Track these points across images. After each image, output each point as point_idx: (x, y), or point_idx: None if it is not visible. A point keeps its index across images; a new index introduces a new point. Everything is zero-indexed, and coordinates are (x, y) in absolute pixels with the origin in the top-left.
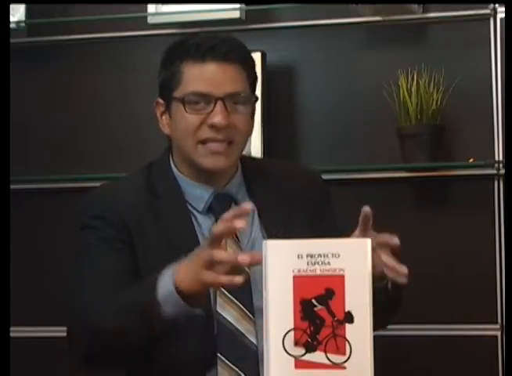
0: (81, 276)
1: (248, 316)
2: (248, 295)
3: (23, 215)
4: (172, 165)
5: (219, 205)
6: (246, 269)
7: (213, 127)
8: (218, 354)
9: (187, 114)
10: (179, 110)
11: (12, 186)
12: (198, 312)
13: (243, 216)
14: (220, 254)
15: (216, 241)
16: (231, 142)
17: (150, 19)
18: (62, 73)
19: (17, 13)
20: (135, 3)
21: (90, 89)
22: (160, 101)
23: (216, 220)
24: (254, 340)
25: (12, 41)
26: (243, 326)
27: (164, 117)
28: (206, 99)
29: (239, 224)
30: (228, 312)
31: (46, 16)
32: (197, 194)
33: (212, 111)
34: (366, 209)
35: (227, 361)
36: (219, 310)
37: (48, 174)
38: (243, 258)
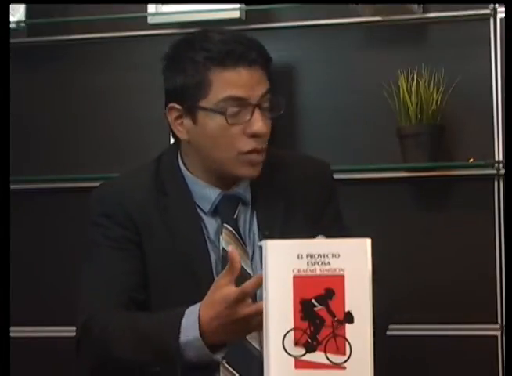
0: (88, 278)
1: None
2: (253, 301)
3: (23, 215)
4: (181, 165)
5: (226, 207)
6: (251, 272)
7: (254, 135)
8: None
9: (228, 125)
10: (214, 120)
11: (12, 186)
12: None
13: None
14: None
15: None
16: (264, 149)
17: (150, 19)
18: (62, 73)
19: (17, 13)
20: (135, 3)
21: (90, 89)
22: (177, 106)
23: (222, 222)
24: (257, 346)
25: (12, 41)
26: None
27: (179, 122)
28: (243, 105)
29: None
30: None
31: (46, 16)
32: (204, 194)
33: (251, 119)
34: None
35: (229, 367)
36: None
37: (48, 174)
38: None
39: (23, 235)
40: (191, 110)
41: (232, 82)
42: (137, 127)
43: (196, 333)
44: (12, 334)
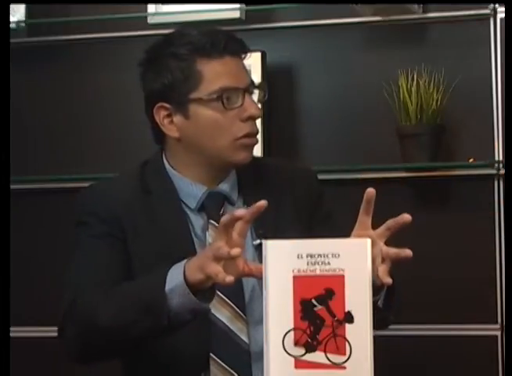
0: (73, 270)
1: (240, 315)
2: (240, 294)
3: (23, 215)
4: (166, 164)
5: (212, 204)
6: None
7: (249, 119)
8: (211, 354)
9: (225, 111)
10: (208, 109)
11: (12, 186)
12: (203, 307)
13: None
14: (224, 249)
15: (222, 234)
16: (257, 132)
17: (150, 19)
18: (62, 73)
19: (17, 13)
20: (135, 3)
21: (90, 89)
22: (165, 105)
23: (208, 219)
24: (246, 339)
25: (12, 41)
26: (235, 325)
27: (169, 121)
28: (235, 93)
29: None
30: (220, 312)
31: (46, 16)
32: (190, 192)
33: (243, 105)
34: (370, 190)
35: (220, 361)
36: (212, 310)
37: (48, 174)
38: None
39: (23, 235)
40: (181, 105)
41: (222, 72)
42: (137, 127)
43: (181, 277)
44: (12, 334)
